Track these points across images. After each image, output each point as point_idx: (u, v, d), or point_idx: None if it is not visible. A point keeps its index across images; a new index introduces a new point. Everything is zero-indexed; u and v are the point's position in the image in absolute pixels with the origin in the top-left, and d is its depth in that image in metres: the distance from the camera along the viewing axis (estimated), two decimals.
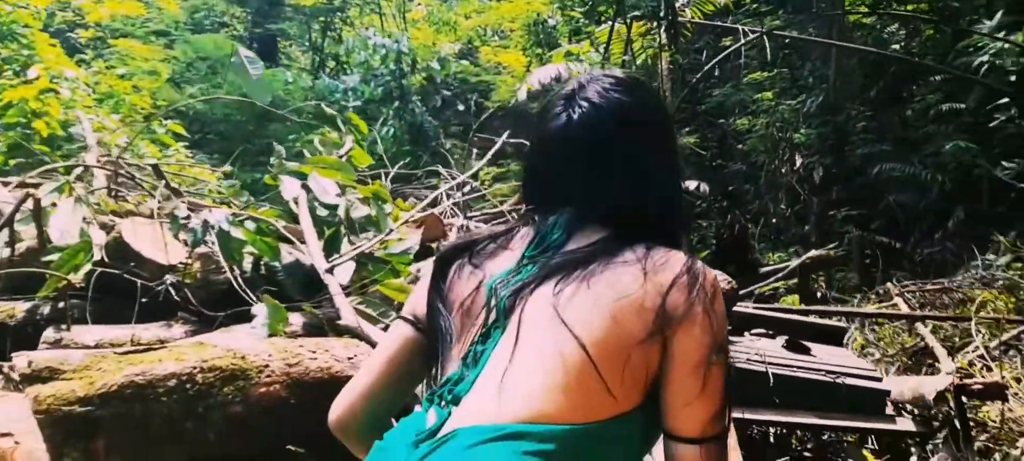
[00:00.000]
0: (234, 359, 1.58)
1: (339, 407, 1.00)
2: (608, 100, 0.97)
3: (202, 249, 2.25)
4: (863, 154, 7.77)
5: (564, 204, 0.96)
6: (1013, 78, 5.91)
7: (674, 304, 0.86)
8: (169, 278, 2.18)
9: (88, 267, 2.09)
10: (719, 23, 7.24)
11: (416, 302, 1.02)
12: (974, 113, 6.93)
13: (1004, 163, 5.93)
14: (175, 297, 2.19)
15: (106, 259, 2.17)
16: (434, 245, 2.37)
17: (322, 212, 2.22)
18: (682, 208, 1.08)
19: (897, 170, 7.26)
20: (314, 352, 1.67)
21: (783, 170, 7.53)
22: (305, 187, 2.26)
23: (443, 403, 0.89)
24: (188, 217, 2.24)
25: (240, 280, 2.15)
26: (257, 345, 1.64)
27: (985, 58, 5.77)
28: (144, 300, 2.23)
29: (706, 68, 6.94)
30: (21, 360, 1.49)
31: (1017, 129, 6.07)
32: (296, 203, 2.26)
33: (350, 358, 1.70)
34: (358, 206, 2.30)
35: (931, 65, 6.93)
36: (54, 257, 2.12)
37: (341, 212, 2.23)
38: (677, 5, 6.88)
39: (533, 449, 0.79)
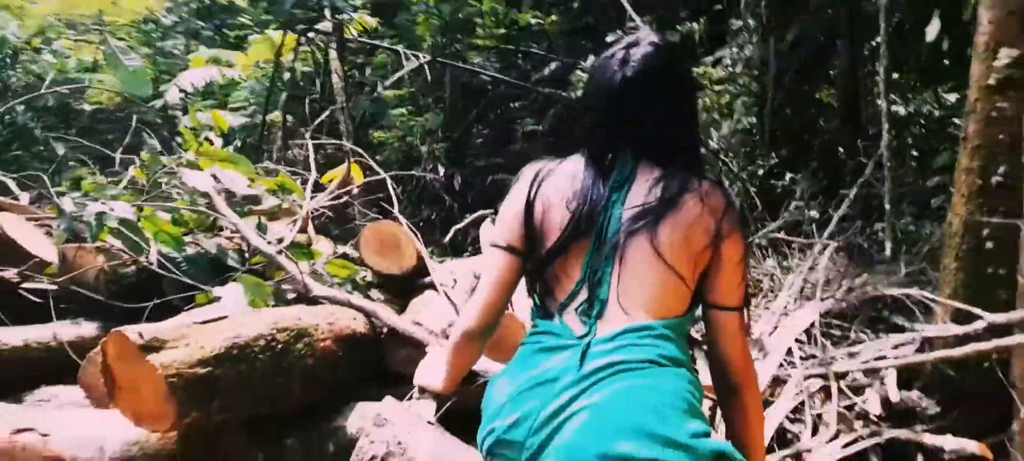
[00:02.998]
0: (295, 320, 1.80)
1: (470, 320, 1.36)
2: (660, 62, 1.26)
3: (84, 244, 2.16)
4: (481, 166, 9.40)
5: (623, 145, 1.27)
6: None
7: (727, 225, 1.25)
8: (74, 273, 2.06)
9: None
10: (378, 43, 8.02)
11: (509, 233, 1.32)
12: (553, 132, 9.13)
13: None
14: (85, 292, 2.08)
15: None
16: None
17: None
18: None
19: (504, 181, 9.01)
20: (333, 314, 1.97)
21: (429, 178, 8.68)
22: (214, 178, 2.31)
23: (585, 315, 1.41)
24: (78, 211, 2.14)
25: (152, 269, 2.17)
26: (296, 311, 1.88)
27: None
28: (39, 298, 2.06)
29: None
30: (132, 332, 1.50)
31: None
32: (200, 194, 2.31)
33: (354, 319, 2.05)
34: (267, 196, 2.45)
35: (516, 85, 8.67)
36: None
37: (263, 203, 2.38)
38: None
39: (657, 334, 1.26)
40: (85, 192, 2.19)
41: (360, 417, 1.86)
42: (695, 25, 8.12)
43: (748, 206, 6.98)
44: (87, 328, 2.10)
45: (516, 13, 8.41)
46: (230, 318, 1.74)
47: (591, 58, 8.83)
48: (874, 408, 2.22)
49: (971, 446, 2.13)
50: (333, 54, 7.35)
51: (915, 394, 2.45)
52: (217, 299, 2.11)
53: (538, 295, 1.42)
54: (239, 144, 7.82)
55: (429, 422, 1.59)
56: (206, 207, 2.34)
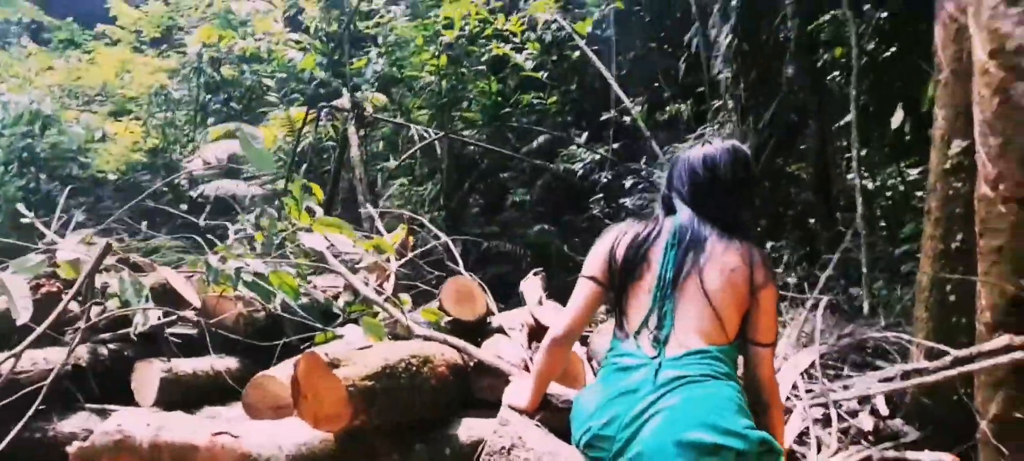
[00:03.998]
0: (420, 349, 2.30)
1: (559, 329, 1.89)
2: (734, 159, 1.81)
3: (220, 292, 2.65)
4: (476, 233, 9.96)
5: (695, 213, 1.79)
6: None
7: (761, 278, 1.77)
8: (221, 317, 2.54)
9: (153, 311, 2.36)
10: (391, 119, 8.64)
11: (595, 267, 1.87)
12: (542, 202, 9.76)
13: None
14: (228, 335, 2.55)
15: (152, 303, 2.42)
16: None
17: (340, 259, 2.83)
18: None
19: (497, 247, 9.54)
20: (442, 349, 2.47)
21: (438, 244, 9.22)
22: (327, 239, 2.82)
23: (655, 340, 1.99)
24: (221, 266, 2.63)
25: (277, 314, 2.65)
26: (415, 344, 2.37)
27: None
28: (177, 338, 2.52)
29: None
30: (321, 353, 1.99)
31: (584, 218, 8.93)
32: (312, 254, 2.82)
33: (458, 351, 2.54)
34: (365, 256, 2.96)
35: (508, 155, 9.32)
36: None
37: (367, 260, 2.88)
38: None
39: (712, 356, 1.75)
40: (221, 254, 2.66)
41: (467, 428, 2.34)
42: (683, 106, 8.89)
43: None
44: (231, 362, 2.56)
45: (519, 93, 9.13)
46: (376, 347, 2.23)
47: (585, 135, 9.54)
48: (867, 426, 2.74)
49: (946, 457, 2.65)
50: (351, 129, 7.95)
51: (898, 421, 2.98)
52: (334, 337, 2.59)
53: (617, 324, 1.97)
54: (260, 211, 8.33)
55: (536, 425, 2.08)
56: (318, 262, 2.83)
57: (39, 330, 2.10)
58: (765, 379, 1.88)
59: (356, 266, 2.90)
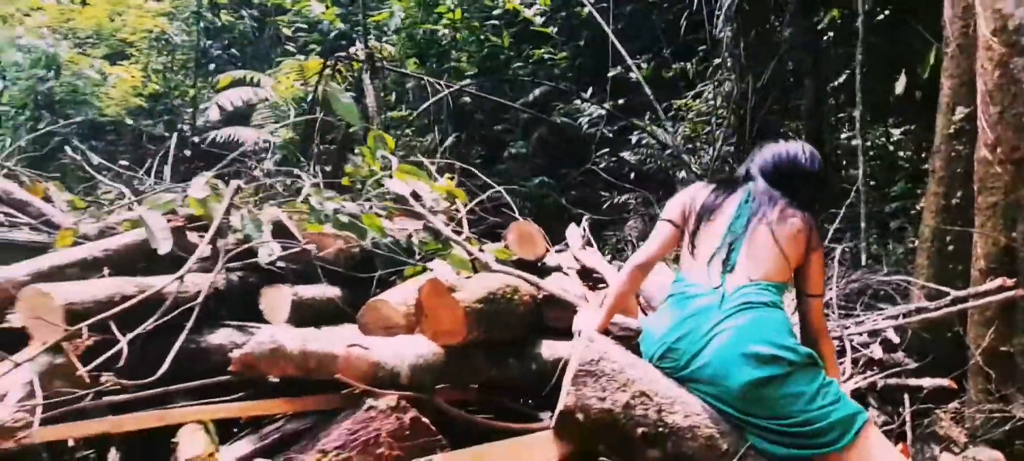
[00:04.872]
0: (508, 281, 2.69)
1: (640, 258, 2.36)
2: (811, 156, 2.33)
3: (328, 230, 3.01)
4: (479, 184, 10.32)
5: (767, 183, 2.31)
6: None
7: (815, 242, 2.25)
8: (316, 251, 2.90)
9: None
10: (405, 71, 8.87)
11: (674, 212, 2.35)
12: (538, 155, 10.12)
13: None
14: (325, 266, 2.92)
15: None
16: None
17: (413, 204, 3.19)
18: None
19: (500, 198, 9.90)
20: (519, 282, 2.86)
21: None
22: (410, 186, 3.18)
23: (722, 272, 2.44)
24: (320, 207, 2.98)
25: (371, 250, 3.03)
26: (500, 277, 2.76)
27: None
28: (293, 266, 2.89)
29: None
30: (441, 279, 2.37)
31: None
32: (399, 199, 3.18)
33: (531, 285, 2.93)
34: (440, 200, 3.32)
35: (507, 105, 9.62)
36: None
37: (441, 204, 3.25)
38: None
39: (768, 288, 2.40)
40: (320, 197, 3.01)
41: (547, 348, 2.75)
42: (688, 65, 9.22)
43: None
44: (335, 290, 2.94)
45: (528, 48, 9.38)
46: (476, 278, 2.61)
47: (590, 89, 9.83)
48: (877, 355, 3.21)
49: (944, 382, 3.13)
50: (366, 78, 8.20)
51: (900, 355, 3.45)
52: (424, 270, 2.98)
53: (685, 260, 2.40)
54: (279, 158, 8.59)
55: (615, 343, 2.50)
56: (402, 205, 3.20)
57: (195, 255, 2.45)
58: (815, 322, 2.36)
59: (435, 210, 3.26)
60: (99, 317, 2.18)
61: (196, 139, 11.10)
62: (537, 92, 10.19)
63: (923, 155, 6.71)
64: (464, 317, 2.38)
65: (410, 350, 2.48)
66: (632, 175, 9.29)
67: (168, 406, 2.32)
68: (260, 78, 9.40)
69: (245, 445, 2.28)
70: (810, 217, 2.27)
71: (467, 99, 9.56)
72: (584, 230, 3.81)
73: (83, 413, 2.13)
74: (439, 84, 7.98)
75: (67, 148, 6.85)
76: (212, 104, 8.74)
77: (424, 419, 2.36)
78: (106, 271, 2.56)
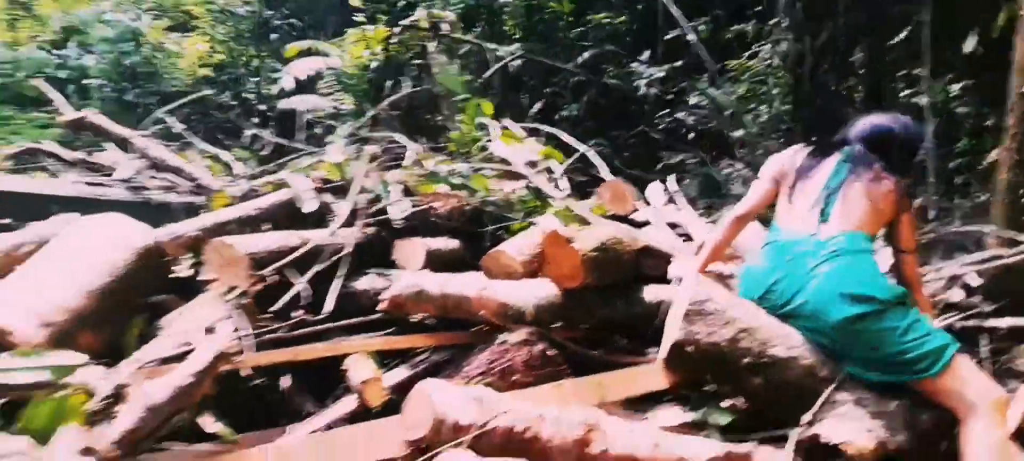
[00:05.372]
0: (613, 232, 2.99)
1: (740, 209, 2.74)
2: (907, 126, 2.66)
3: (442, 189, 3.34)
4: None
5: (865, 147, 2.68)
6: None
7: (906, 204, 2.54)
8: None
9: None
10: (466, 38, 9.11)
11: (773, 170, 2.67)
12: (589, 118, 10.30)
13: None
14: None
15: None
16: None
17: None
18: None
19: None
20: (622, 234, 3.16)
21: None
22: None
23: (818, 221, 2.69)
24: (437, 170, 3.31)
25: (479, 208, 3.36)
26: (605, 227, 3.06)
27: None
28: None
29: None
30: (561, 231, 2.69)
31: None
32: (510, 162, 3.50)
33: (633, 239, 3.22)
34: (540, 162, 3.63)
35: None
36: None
37: (541, 165, 3.56)
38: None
39: (860, 237, 2.65)
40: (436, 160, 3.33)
41: (649, 292, 3.05)
42: (748, 26, 9.28)
43: None
44: (454, 242, 3.28)
45: (590, 13, 9.53)
46: (587, 229, 2.92)
47: (647, 53, 9.95)
48: (956, 298, 3.42)
49: (1019, 321, 3.33)
50: (431, 46, 8.48)
51: (977, 298, 3.66)
52: (526, 227, 3.29)
53: (782, 211, 2.67)
54: (348, 126, 8.98)
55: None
56: (506, 166, 3.51)
57: (345, 211, 2.81)
58: (909, 274, 2.67)
59: (537, 169, 3.57)
60: (279, 264, 2.55)
61: (262, 107, 11.54)
62: (587, 55, 10.35)
63: (986, 112, 6.75)
64: (581, 263, 2.69)
65: (533, 292, 2.81)
66: (691, 136, 9.44)
67: (329, 340, 2.70)
68: (327, 47, 9.75)
69: (401, 372, 2.64)
70: (900, 181, 2.55)
71: (517, 63, 9.75)
72: (666, 188, 4.07)
73: (265, 345, 2.51)
74: (499, 50, 8.20)
75: (167, 118, 7.29)
76: (285, 74, 9.11)
77: (551, 351, 2.69)
78: (267, 226, 2.93)
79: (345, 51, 9.57)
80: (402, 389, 2.57)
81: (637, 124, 10.00)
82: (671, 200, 4.16)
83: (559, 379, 2.66)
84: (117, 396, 1.97)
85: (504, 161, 3.52)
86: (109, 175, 3.64)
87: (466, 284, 2.74)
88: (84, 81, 8.88)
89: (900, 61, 8.83)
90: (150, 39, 9.74)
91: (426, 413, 2.19)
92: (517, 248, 3.01)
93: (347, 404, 2.49)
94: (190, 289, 3.12)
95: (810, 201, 2.61)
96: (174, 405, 2.04)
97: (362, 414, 2.53)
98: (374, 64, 9.29)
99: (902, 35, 8.36)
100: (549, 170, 3.63)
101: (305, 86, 10.55)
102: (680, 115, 10.08)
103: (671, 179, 4.01)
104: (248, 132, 9.93)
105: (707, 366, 2.64)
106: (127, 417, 1.93)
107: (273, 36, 12.46)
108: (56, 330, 2.28)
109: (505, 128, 3.72)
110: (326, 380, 2.76)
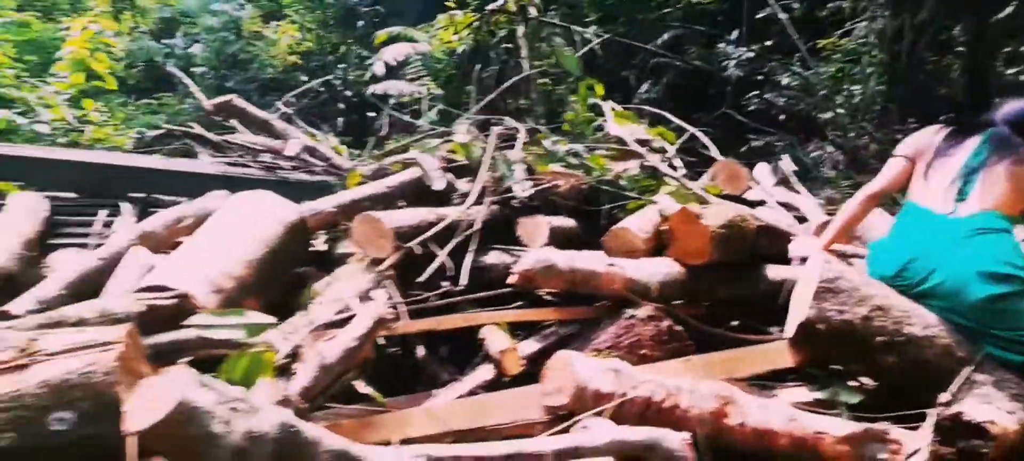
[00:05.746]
0: (736, 211, 3.03)
1: (874, 187, 2.77)
2: None
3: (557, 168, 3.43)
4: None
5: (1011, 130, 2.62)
6: None
7: None
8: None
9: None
10: (553, 22, 9.16)
11: (910, 149, 2.69)
12: (668, 100, 10.15)
13: None
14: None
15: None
16: None
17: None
18: None
19: None
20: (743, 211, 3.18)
21: None
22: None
23: (956, 200, 2.64)
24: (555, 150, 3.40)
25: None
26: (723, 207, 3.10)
27: None
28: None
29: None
30: (691, 208, 2.75)
31: None
32: (622, 141, 3.57)
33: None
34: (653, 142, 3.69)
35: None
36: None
37: (655, 145, 3.62)
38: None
39: (999, 217, 2.59)
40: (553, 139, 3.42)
41: (770, 270, 3.07)
42: (844, 3, 9.01)
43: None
44: (570, 221, 3.37)
45: None
46: (710, 208, 2.96)
47: (735, 32, 9.77)
48: None
49: None
50: (520, 30, 8.57)
51: None
52: (649, 203, 3.35)
53: (917, 190, 2.65)
54: (439, 109, 9.21)
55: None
56: (621, 146, 3.57)
57: (475, 189, 2.94)
58: None
59: (653, 148, 3.62)
60: (422, 238, 2.70)
61: (349, 93, 11.89)
62: (667, 35, 10.22)
63: None
64: (710, 240, 2.75)
65: (657, 269, 2.88)
66: (782, 117, 9.25)
67: (463, 312, 2.84)
68: (415, 33, 9.99)
69: (531, 344, 2.76)
70: None
71: (594, 45, 9.71)
72: (776, 168, 4.05)
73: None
74: (586, 33, 8.22)
75: (279, 104, 7.64)
76: (377, 59, 9.40)
77: (677, 327, 2.76)
78: (401, 203, 3.10)
79: (433, 36, 9.78)
80: (533, 360, 2.70)
81: (718, 106, 9.86)
82: (781, 181, 4.14)
83: (685, 355, 2.73)
84: (294, 355, 2.15)
85: (620, 141, 3.58)
86: (246, 155, 3.90)
87: (594, 260, 2.82)
88: (192, 69, 9.37)
89: (1003, 38, 8.42)
90: (247, 28, 10.16)
91: (568, 381, 2.30)
92: (639, 226, 3.08)
93: (485, 372, 2.62)
94: (327, 261, 3.33)
95: (948, 180, 2.59)
96: (343, 365, 2.21)
97: (495, 383, 2.66)
98: (461, 49, 9.46)
99: (1007, 10, 7.95)
100: (663, 150, 3.67)
101: (391, 72, 10.84)
102: (768, 96, 9.88)
103: (786, 159, 3.99)
104: (339, 119, 10.27)
105: (838, 345, 2.66)
106: (304, 375, 2.11)
107: (359, 23, 12.80)
108: (225, 296, 2.49)
109: (616, 109, 3.78)
110: (455, 349, 2.91)
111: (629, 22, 10.29)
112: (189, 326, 2.14)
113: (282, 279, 2.83)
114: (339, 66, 12.47)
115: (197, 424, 1.49)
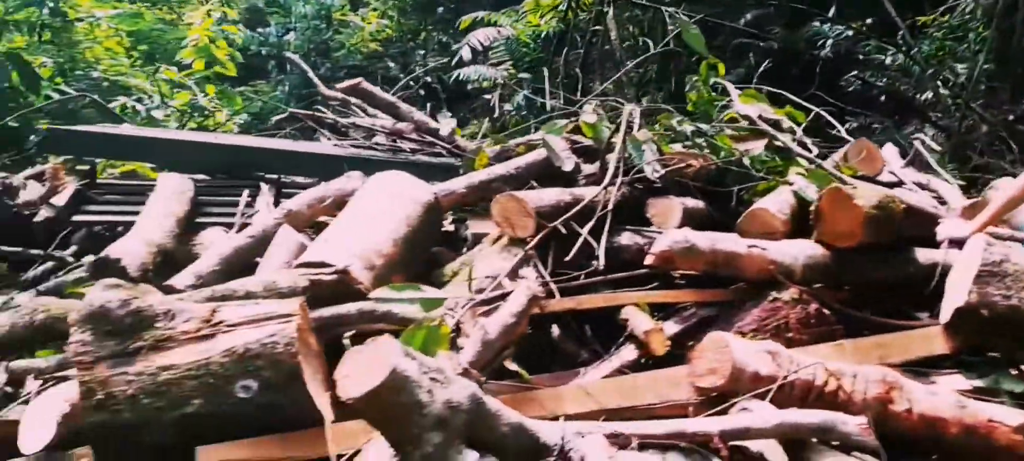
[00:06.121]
0: (886, 191, 2.92)
1: None
2: None
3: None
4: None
5: None
6: None
7: None
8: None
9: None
10: (644, 3, 9.00)
11: None
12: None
13: None
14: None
15: None
16: None
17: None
18: None
19: None
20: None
21: None
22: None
23: None
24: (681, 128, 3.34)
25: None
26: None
27: None
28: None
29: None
30: (846, 188, 2.67)
31: None
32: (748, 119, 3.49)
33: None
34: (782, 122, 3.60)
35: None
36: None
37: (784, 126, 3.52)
38: None
39: None
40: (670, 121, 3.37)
41: (921, 254, 2.94)
42: None
43: (1006, 147, 7.53)
44: (698, 202, 3.31)
45: None
46: (859, 188, 2.86)
47: (833, 9, 9.40)
48: None
49: None
50: (610, 13, 8.47)
51: None
52: (774, 186, 3.26)
53: None
54: (529, 92, 9.23)
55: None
56: (751, 127, 3.49)
57: (610, 171, 2.92)
58: None
59: (784, 129, 3.52)
60: (564, 218, 2.71)
61: (429, 79, 12.02)
62: (749, 15, 9.90)
63: None
64: (863, 222, 2.65)
65: (800, 251, 2.80)
66: (883, 98, 8.89)
67: (596, 293, 2.83)
68: (499, 16, 10.03)
69: (671, 325, 2.73)
70: None
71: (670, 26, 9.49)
72: (911, 148, 3.89)
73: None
74: (677, 13, 8.05)
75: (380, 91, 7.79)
76: (463, 44, 9.50)
77: (825, 310, 2.68)
78: (532, 184, 3.11)
79: (517, 20, 9.78)
80: (673, 342, 2.67)
81: (805, 87, 9.52)
82: (911, 163, 3.98)
83: (834, 339, 2.65)
84: (456, 331, 2.19)
85: (749, 120, 3.49)
86: (369, 137, 4.01)
87: (736, 242, 2.77)
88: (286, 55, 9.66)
89: None
90: (336, 16, 10.39)
91: (723, 363, 2.26)
92: (777, 207, 3.00)
93: (628, 352, 2.60)
94: (454, 241, 3.37)
95: None
96: (503, 341, 2.23)
97: (637, 363, 2.64)
98: (547, 32, 9.43)
99: None
100: (792, 130, 3.56)
101: (475, 57, 10.90)
102: (866, 77, 9.50)
103: (926, 136, 3.81)
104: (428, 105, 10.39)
105: (1001, 330, 2.54)
106: (469, 349, 2.14)
107: (439, 9, 12.91)
108: (376, 273, 2.55)
109: (753, 91, 3.70)
110: (590, 329, 2.91)
111: (713, 1, 10.02)
112: (374, 300, 2.20)
113: (423, 257, 2.88)
114: (419, 52, 12.61)
115: (407, 392, 1.52)
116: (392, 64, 11.59)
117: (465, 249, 3.32)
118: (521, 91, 8.93)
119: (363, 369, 1.53)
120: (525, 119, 8.42)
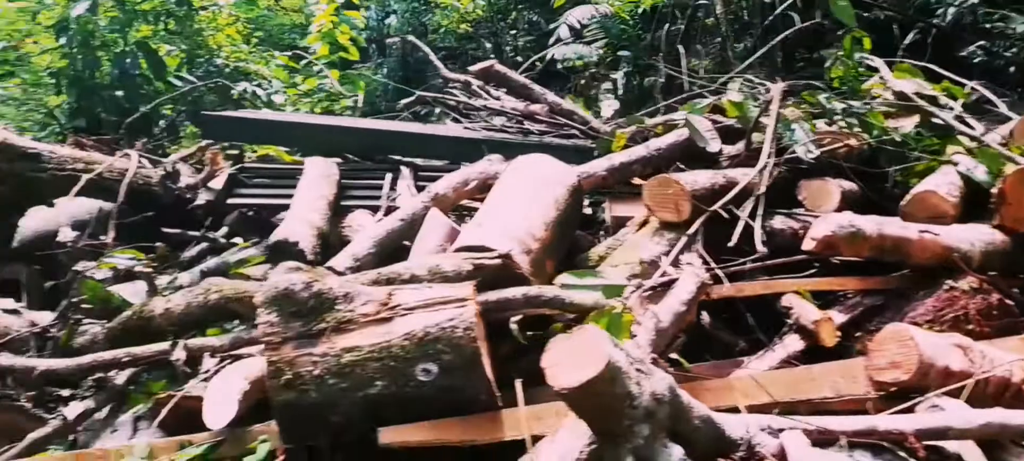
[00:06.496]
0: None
1: None
2: None
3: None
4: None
5: None
6: None
7: None
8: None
9: None
10: None
11: None
12: None
13: None
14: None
15: None
16: None
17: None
18: None
19: None
20: None
21: None
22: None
23: None
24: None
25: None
26: None
27: None
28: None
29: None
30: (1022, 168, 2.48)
31: None
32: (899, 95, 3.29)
33: None
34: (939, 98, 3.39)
35: None
36: None
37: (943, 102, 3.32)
38: None
39: None
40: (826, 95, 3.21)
41: None
42: None
43: None
44: (851, 185, 3.15)
45: None
46: None
47: None
48: None
49: None
50: None
51: None
52: (934, 166, 3.06)
53: None
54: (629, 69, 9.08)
55: None
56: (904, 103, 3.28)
57: (764, 153, 2.80)
58: None
59: (942, 106, 3.30)
60: (722, 202, 2.62)
61: (519, 58, 11.95)
62: None
63: None
64: None
65: (977, 236, 2.62)
66: (1011, 69, 8.25)
67: (751, 279, 2.73)
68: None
69: (836, 315, 2.61)
70: None
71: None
72: None
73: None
74: None
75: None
76: (561, 23, 9.39)
77: (1008, 300, 2.50)
78: (676, 167, 3.03)
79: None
80: (840, 332, 2.55)
81: (918, 58, 8.93)
82: None
83: (1018, 331, 2.47)
84: None
85: (903, 96, 3.29)
86: (497, 119, 4.02)
87: (904, 226, 2.61)
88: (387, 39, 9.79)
89: None
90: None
91: (908, 356, 2.13)
92: (946, 189, 2.82)
93: (793, 342, 2.51)
94: (590, 225, 3.33)
95: None
96: (674, 329, 2.18)
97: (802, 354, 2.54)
98: (645, 8, 9.20)
99: None
100: (949, 106, 3.33)
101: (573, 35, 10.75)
102: (985, 46, 8.86)
103: None
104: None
105: None
106: (643, 338, 2.10)
107: None
108: (532, 257, 2.53)
109: (907, 66, 3.48)
110: (746, 317, 2.81)
111: None
112: (543, 286, 2.19)
113: (569, 240, 2.85)
114: (511, 32, 12.55)
115: (620, 383, 1.50)
116: (488, 44, 11.59)
117: (602, 233, 3.28)
118: (622, 69, 8.78)
119: (573, 358, 1.51)
120: (642, 99, 8.29)
